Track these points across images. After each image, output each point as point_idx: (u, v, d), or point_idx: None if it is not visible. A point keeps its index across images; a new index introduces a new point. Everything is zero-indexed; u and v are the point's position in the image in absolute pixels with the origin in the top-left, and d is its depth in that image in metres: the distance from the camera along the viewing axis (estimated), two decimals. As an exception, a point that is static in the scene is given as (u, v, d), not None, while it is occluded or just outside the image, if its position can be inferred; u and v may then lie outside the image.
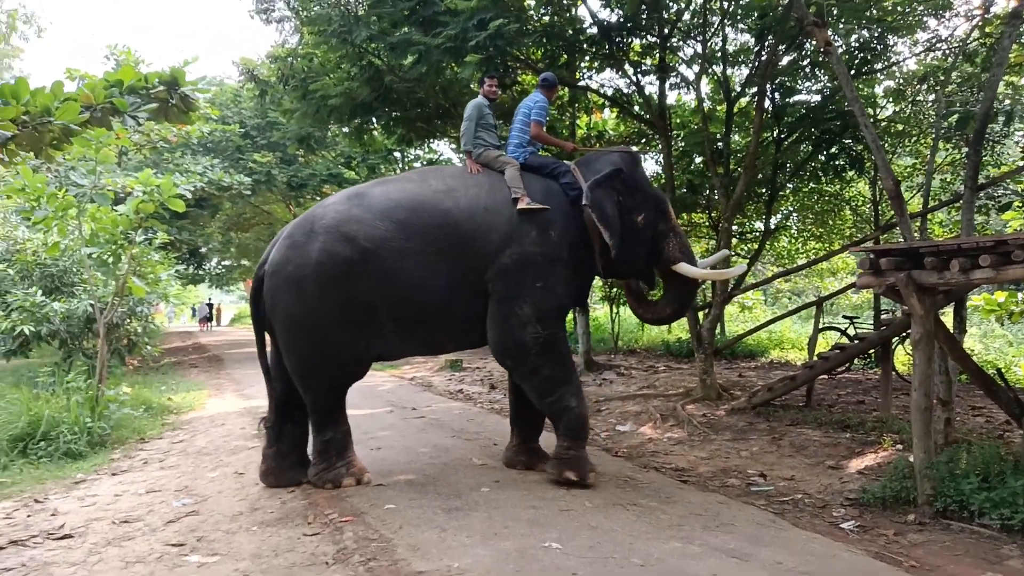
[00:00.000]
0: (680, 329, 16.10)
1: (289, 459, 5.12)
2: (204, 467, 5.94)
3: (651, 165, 18.22)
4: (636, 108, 9.61)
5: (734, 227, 10.90)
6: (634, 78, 8.82)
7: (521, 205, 4.98)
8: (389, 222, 4.84)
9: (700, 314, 8.43)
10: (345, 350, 4.88)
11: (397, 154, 17.29)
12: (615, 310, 14.82)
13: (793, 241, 14.84)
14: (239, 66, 11.07)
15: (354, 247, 4.74)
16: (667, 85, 8.80)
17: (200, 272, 26.52)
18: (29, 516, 4.82)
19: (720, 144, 8.90)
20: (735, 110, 8.86)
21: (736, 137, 10.43)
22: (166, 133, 13.90)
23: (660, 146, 9.65)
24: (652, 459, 5.94)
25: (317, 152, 15.41)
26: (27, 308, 7.53)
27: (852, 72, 7.62)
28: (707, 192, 11.25)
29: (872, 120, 8.48)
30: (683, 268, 5.39)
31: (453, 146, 18.03)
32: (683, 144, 10.19)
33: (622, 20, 7.99)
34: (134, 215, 6.81)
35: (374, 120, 8.67)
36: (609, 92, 9.85)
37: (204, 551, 3.90)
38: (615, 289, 14.89)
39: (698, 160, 10.65)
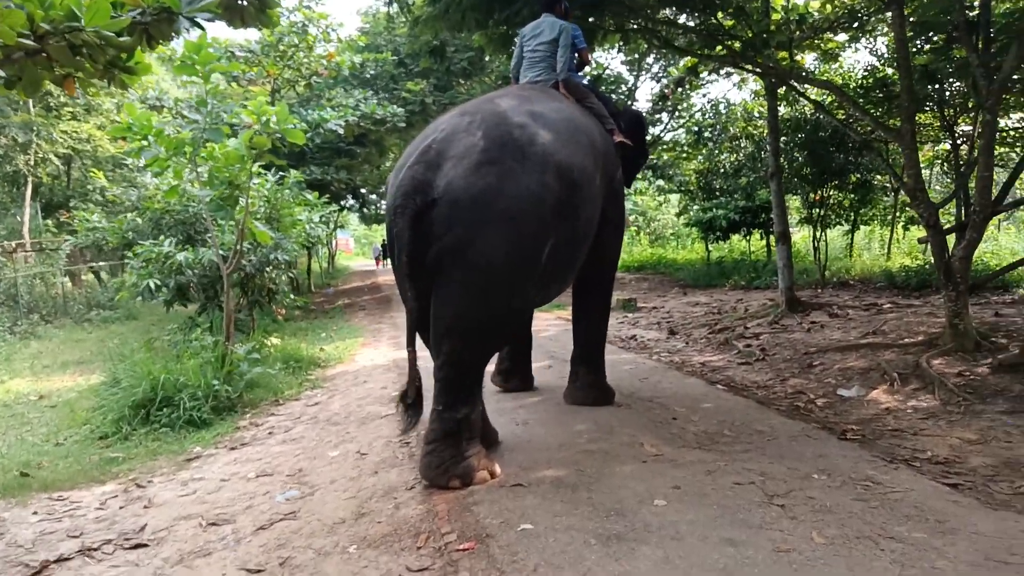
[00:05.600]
0: (905, 255, 13.62)
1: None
2: (328, 442, 5.08)
3: (863, 56, 15.38)
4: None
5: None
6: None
7: (617, 139, 5.03)
8: (581, 147, 4.21)
9: (949, 238, 6.40)
10: (530, 302, 4.22)
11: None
12: (817, 233, 12.63)
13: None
14: None
15: (568, 180, 3.96)
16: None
17: (367, 212, 26.53)
18: (121, 507, 4.16)
19: (973, 10, 6.63)
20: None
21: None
22: (316, 67, 13.33)
23: (889, 23, 7.46)
24: (897, 444, 4.28)
25: (474, 77, 14.25)
26: (153, 259, 7.02)
27: None
28: (941, 81, 8.86)
29: None
30: None
31: (623, 56, 16.19)
32: (917, 17, 7.83)
33: None
34: (247, 151, 5.93)
35: (519, 19, 7.20)
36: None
37: (279, 586, 2.92)
38: (816, 209, 12.69)
39: (935, 38, 8.23)
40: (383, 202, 29.79)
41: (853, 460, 3.94)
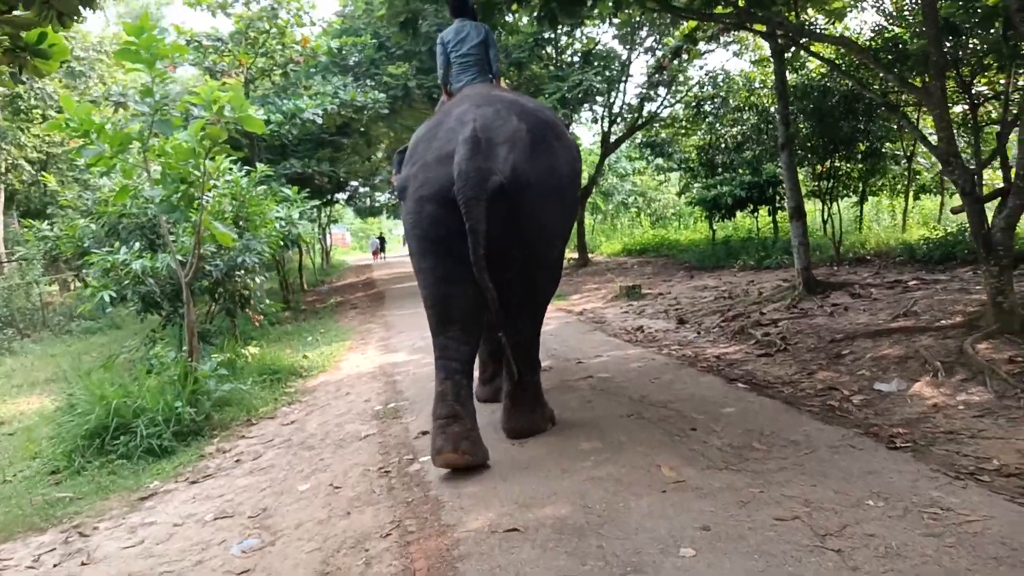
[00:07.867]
0: (921, 226, 12.94)
1: (476, 427, 3.95)
2: (299, 471, 4.48)
3: (870, 15, 14.63)
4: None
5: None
6: None
7: None
8: None
9: (988, 207, 5.74)
10: None
11: (547, 45, 15.06)
12: (828, 205, 11.93)
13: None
14: None
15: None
16: None
17: (361, 204, 25.84)
18: (55, 565, 3.58)
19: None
20: None
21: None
22: (291, 53, 12.61)
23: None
24: (956, 451, 3.64)
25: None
26: (109, 269, 6.37)
27: None
28: (961, 34, 8.16)
29: None
30: None
31: (615, 31, 15.52)
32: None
33: None
34: (198, 143, 5.28)
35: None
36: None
37: None
38: (824, 181, 12.00)
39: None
40: (377, 194, 28.91)
41: (910, 477, 3.31)
